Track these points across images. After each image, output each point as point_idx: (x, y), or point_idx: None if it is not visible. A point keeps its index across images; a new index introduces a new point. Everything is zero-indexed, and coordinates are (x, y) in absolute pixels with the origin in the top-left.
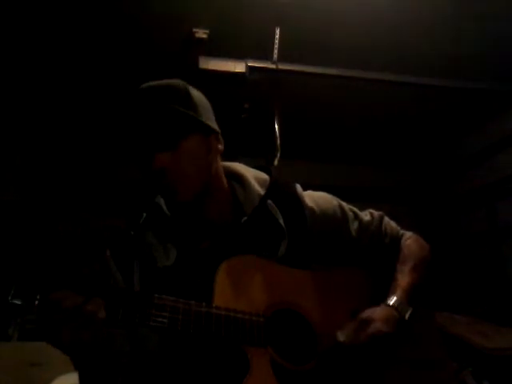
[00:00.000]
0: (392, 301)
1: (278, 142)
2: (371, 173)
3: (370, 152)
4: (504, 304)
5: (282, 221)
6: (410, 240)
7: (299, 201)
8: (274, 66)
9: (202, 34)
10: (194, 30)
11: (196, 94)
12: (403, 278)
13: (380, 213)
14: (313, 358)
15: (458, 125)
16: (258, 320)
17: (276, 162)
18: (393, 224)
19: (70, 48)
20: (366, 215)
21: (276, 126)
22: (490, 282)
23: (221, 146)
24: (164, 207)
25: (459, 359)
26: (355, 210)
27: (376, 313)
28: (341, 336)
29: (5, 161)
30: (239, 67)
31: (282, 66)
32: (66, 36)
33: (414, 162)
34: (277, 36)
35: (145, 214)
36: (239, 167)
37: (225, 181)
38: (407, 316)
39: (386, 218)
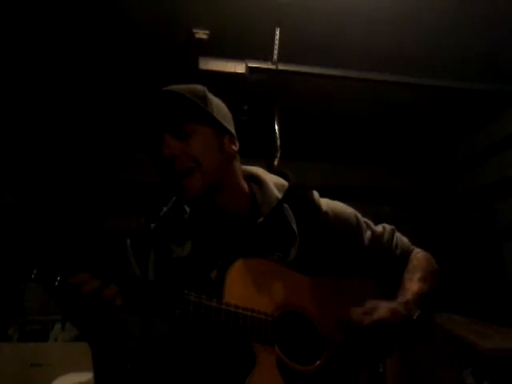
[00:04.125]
0: (399, 299)
1: (278, 142)
2: (371, 173)
3: (370, 152)
4: (504, 304)
5: (294, 225)
6: (420, 254)
7: (315, 206)
8: (274, 67)
9: (202, 34)
10: (194, 30)
11: (214, 98)
12: (412, 284)
13: (392, 226)
14: (318, 360)
15: (458, 125)
16: (267, 319)
17: (276, 163)
18: (404, 239)
19: (71, 50)
20: (378, 227)
21: (276, 127)
22: (490, 282)
23: (235, 148)
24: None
25: (459, 359)
26: (368, 221)
27: (382, 303)
28: (352, 314)
29: (7, 163)
30: (239, 68)
31: (282, 67)
32: (66, 38)
33: (414, 163)
34: (277, 37)
35: (165, 208)
36: (259, 171)
37: (243, 183)
38: (415, 316)
39: (398, 233)
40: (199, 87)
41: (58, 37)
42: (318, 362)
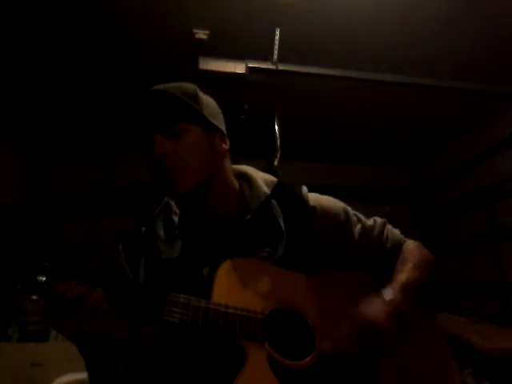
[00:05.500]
0: (387, 294)
1: (278, 142)
2: (371, 173)
3: (369, 152)
4: (504, 304)
5: (282, 222)
6: (412, 245)
7: (303, 201)
8: (274, 67)
9: (202, 34)
10: (194, 30)
11: (205, 96)
12: (401, 274)
13: (383, 219)
14: (310, 356)
15: (458, 125)
16: (256, 317)
17: (276, 163)
18: (396, 231)
19: (70, 51)
20: (369, 221)
21: (276, 127)
22: (490, 282)
23: (225, 146)
24: (173, 203)
25: (459, 359)
26: (359, 214)
27: (374, 311)
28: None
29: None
30: (239, 68)
31: (282, 67)
32: (66, 40)
33: (413, 162)
34: (277, 37)
35: (156, 211)
36: (248, 169)
37: (235, 181)
38: (406, 309)
39: (389, 225)
40: (190, 86)
41: (57, 38)
42: (309, 358)
